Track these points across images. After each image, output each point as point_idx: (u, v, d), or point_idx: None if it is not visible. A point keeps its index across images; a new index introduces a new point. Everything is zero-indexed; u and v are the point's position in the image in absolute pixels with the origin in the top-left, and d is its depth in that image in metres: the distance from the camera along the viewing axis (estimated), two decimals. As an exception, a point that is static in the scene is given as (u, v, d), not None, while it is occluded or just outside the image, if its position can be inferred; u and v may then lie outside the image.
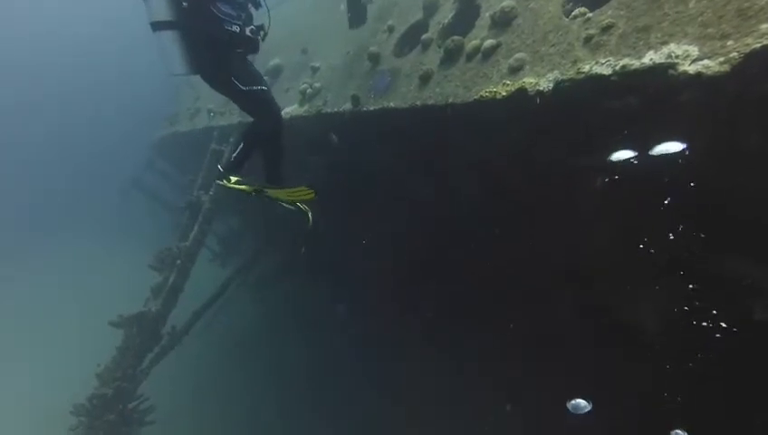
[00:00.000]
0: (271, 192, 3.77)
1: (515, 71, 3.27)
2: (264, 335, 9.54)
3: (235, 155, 3.75)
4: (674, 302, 3.47)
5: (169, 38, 3.33)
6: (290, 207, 3.84)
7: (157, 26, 3.31)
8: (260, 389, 8.47)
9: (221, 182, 3.80)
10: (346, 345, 7.38)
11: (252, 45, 3.53)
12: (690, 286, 3.32)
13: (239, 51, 3.55)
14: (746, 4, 2.13)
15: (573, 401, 3.53)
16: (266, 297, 9.77)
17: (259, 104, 3.65)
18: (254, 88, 3.55)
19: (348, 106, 4.56)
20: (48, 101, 21.61)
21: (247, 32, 3.42)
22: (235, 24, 3.36)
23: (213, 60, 3.46)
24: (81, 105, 21.77)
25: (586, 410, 3.47)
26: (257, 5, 3.62)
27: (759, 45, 2.02)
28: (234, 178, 3.75)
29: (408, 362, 6.26)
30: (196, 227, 5.93)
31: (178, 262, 5.68)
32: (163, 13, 3.27)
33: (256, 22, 3.61)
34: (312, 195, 3.70)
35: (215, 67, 3.51)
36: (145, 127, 10.06)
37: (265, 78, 6.12)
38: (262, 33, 3.54)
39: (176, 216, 8.71)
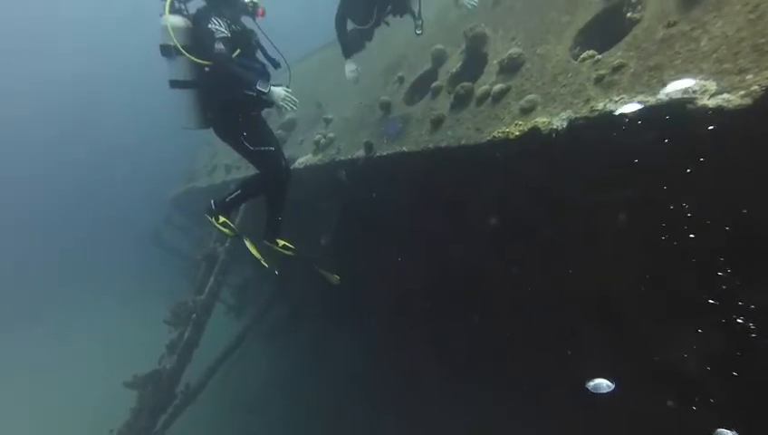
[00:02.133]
0: (248, 243, 4.01)
1: (527, 111, 3.29)
2: (278, 387, 9.21)
3: (230, 198, 3.92)
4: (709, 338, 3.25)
5: (186, 95, 3.53)
6: (258, 258, 4.06)
7: (175, 84, 3.51)
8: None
9: (209, 218, 4.00)
10: (361, 391, 7.08)
11: (268, 104, 3.65)
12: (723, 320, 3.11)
13: (253, 113, 3.70)
14: (762, 40, 2.14)
15: (594, 382, 3.23)
16: (280, 347, 9.55)
17: (266, 163, 3.80)
18: (262, 148, 3.69)
19: (361, 153, 4.64)
20: (66, 163, 22.69)
21: (263, 96, 3.49)
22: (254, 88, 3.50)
23: (224, 120, 3.64)
24: (100, 167, 22.80)
25: (609, 389, 3.17)
26: (277, 66, 3.80)
27: (780, 77, 2.00)
28: (221, 219, 3.93)
29: (427, 406, 5.92)
30: (211, 279, 5.90)
31: (194, 316, 5.60)
32: (184, 73, 3.46)
33: (274, 80, 3.77)
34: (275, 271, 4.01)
35: (227, 127, 3.68)
36: (164, 185, 10.39)
37: (279, 131, 6.44)
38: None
39: (193, 269, 8.76)
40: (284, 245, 4.10)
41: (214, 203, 3.97)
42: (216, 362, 6.39)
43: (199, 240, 9.78)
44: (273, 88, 3.41)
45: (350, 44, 5.09)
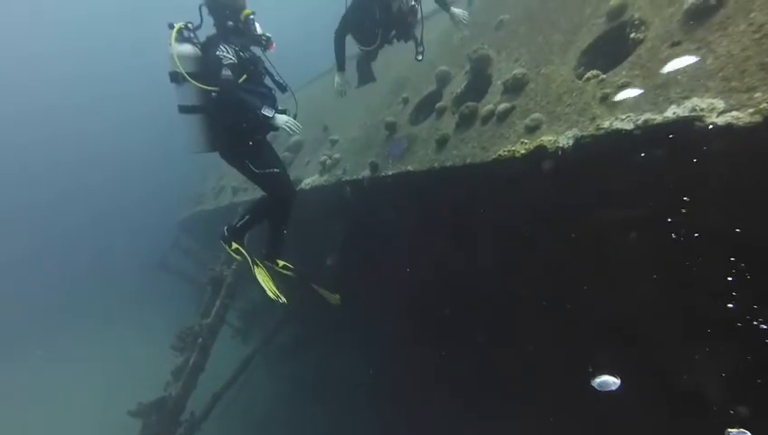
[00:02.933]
0: (257, 270, 3.96)
1: (532, 130, 3.29)
2: (285, 414, 9.02)
3: (240, 223, 3.99)
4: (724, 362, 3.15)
5: (193, 119, 3.65)
6: (265, 288, 3.99)
7: (184, 109, 3.63)
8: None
9: (223, 244, 4.08)
10: (371, 416, 6.90)
11: (273, 128, 3.70)
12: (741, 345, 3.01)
13: (258, 137, 3.75)
14: (768, 59, 2.14)
15: (600, 379, 3.13)
16: (288, 371, 9.40)
17: (271, 185, 3.86)
18: (267, 171, 3.75)
19: (366, 173, 4.65)
20: (79, 187, 23.03)
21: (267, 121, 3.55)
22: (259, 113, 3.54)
23: (231, 144, 3.72)
24: (109, 192, 23.12)
25: (614, 386, 3.08)
26: (284, 90, 3.87)
27: (790, 95, 1.99)
28: (234, 245, 3.98)
29: (435, 430, 5.75)
30: (218, 302, 5.86)
31: (200, 340, 5.54)
32: (192, 98, 3.57)
33: (282, 105, 3.83)
34: (279, 300, 3.90)
35: (232, 150, 3.76)
36: (173, 208, 10.47)
37: (286, 153, 6.50)
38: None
39: (199, 293, 8.74)
40: (284, 265, 4.14)
41: (226, 229, 4.05)
42: (222, 388, 6.28)
43: (206, 263, 9.78)
44: (276, 114, 3.46)
45: (361, 75, 5.18)
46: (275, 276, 4.14)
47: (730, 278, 2.78)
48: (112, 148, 23.68)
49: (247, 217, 3.99)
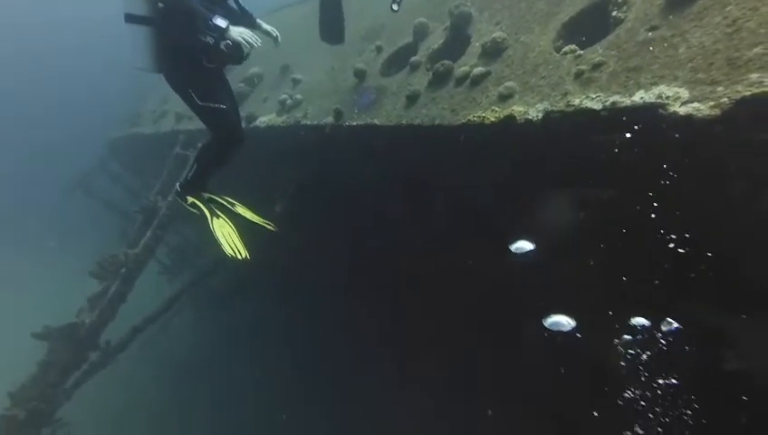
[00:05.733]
0: (216, 223, 3.56)
1: (505, 98, 3.27)
2: (209, 357, 8.83)
3: (190, 175, 3.61)
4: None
5: (140, 32, 3.18)
6: (222, 243, 3.54)
7: (130, 19, 3.16)
8: (197, 417, 7.74)
9: (180, 201, 3.74)
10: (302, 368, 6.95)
11: (229, 58, 3.30)
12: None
13: (209, 64, 3.33)
14: (736, 54, 2.23)
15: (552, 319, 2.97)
16: (216, 318, 9.13)
17: (213, 121, 3.47)
18: (211, 105, 3.35)
19: (329, 119, 4.42)
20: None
21: (222, 45, 3.12)
22: (211, 35, 3.12)
23: (175, 66, 3.29)
24: (29, 98, 20.16)
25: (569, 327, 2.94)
26: (250, 17, 3.48)
27: (749, 93, 2.10)
28: (190, 199, 3.60)
29: (374, 394, 5.92)
30: (149, 233, 5.43)
31: (123, 270, 5.13)
32: (139, 7, 3.12)
33: None
34: (238, 256, 3.48)
35: (175, 74, 3.34)
36: (103, 126, 9.34)
37: (241, 84, 5.98)
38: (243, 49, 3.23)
39: (125, 222, 8.06)
40: (210, 197, 3.71)
41: (178, 185, 3.69)
42: (144, 322, 5.90)
43: (136, 192, 9.01)
44: (231, 26, 3.06)
45: (325, 28, 4.80)
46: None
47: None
48: (47, 43, 20.45)
49: (195, 165, 3.60)
